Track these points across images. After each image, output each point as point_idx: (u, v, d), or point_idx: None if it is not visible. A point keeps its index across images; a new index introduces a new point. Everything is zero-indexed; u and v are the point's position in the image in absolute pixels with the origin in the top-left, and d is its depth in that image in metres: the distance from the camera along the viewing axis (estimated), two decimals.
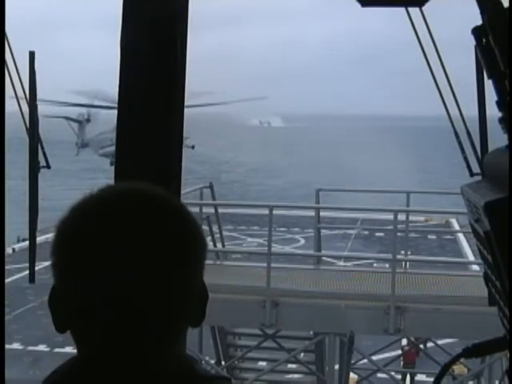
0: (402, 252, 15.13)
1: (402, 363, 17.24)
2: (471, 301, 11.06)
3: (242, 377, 14.24)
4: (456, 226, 25.99)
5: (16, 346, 18.78)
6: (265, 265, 11.93)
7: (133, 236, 1.35)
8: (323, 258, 16.12)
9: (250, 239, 28.71)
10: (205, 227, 12.96)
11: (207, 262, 1.45)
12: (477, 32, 1.75)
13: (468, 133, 5.99)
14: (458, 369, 14.37)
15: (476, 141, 4.47)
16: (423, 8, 4.52)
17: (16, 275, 20.97)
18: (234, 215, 27.77)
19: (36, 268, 8.02)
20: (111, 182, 1.84)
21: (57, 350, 18.36)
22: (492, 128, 3.17)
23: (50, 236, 1.46)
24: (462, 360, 8.45)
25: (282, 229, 29.12)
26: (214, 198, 15.32)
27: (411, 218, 17.28)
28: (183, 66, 2.36)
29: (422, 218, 28.88)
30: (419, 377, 17.45)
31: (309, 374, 14.07)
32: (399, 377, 16.48)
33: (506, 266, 1.54)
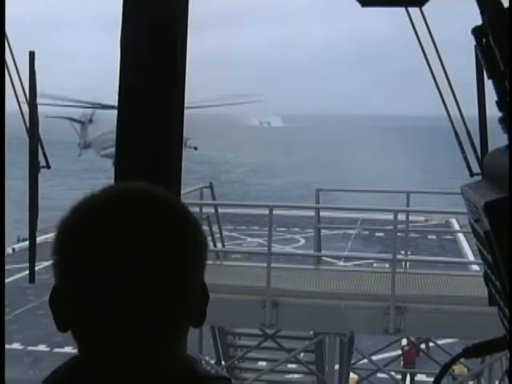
0: (402, 252, 15.13)
1: (402, 363, 17.25)
2: (471, 301, 11.06)
3: (242, 377, 14.24)
4: (456, 226, 25.98)
5: (16, 345, 18.79)
6: (265, 265, 11.94)
7: (133, 236, 1.35)
8: (323, 257, 16.12)
9: (249, 239, 28.72)
10: (205, 227, 12.95)
11: (207, 262, 1.45)
12: (477, 32, 1.76)
13: (468, 133, 6.00)
14: (458, 369, 14.37)
15: (476, 141, 4.48)
16: (423, 8, 4.52)
17: (16, 275, 20.98)
18: (234, 215, 27.79)
19: (36, 268, 8.02)
20: (111, 182, 1.84)
21: (57, 349, 18.37)
22: (492, 128, 3.17)
23: (50, 236, 1.47)
24: (462, 360, 8.45)
25: (281, 229, 29.12)
26: (214, 198, 15.33)
27: (411, 218, 17.28)
28: (183, 66, 2.36)
29: (422, 218, 28.88)
30: (419, 377, 17.46)
31: (309, 374, 14.07)
32: (399, 377, 16.49)
33: (506, 266, 1.54)
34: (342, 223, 24.42)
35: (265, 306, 11.61)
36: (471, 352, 2.18)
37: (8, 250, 24.71)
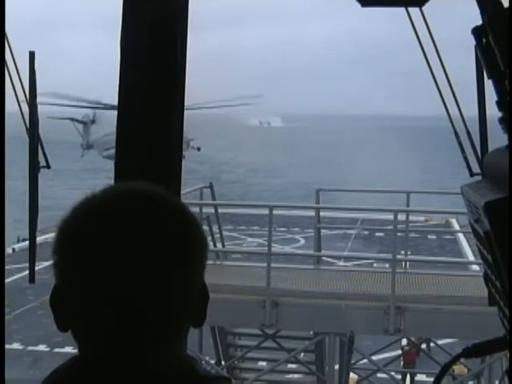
0: (402, 252, 15.13)
1: (402, 363, 17.25)
2: (471, 301, 11.06)
3: (242, 377, 14.24)
4: (456, 226, 25.97)
5: (16, 345, 18.78)
6: (265, 265, 11.93)
7: (133, 236, 1.35)
8: (323, 257, 16.12)
9: (249, 239, 28.71)
10: (205, 227, 12.95)
11: (207, 262, 1.45)
12: (477, 32, 1.76)
13: (468, 133, 6.00)
14: (458, 369, 14.37)
15: (476, 141, 4.48)
16: (423, 8, 4.52)
17: (16, 275, 20.97)
18: (234, 215, 27.78)
19: (36, 268, 8.03)
20: (111, 182, 1.84)
21: (57, 349, 18.36)
22: (492, 128, 3.17)
23: (50, 236, 1.47)
24: (462, 360, 8.45)
25: (282, 229, 29.11)
26: (214, 198, 15.33)
27: (411, 218, 17.28)
28: (183, 66, 2.36)
29: (422, 218, 28.87)
30: (419, 377, 17.46)
31: (309, 374, 14.07)
32: (399, 377, 16.49)
33: (506, 266, 1.54)
34: (341, 223, 24.41)
35: (265, 306, 11.61)
36: (471, 352, 2.18)
37: (8, 250, 24.70)
